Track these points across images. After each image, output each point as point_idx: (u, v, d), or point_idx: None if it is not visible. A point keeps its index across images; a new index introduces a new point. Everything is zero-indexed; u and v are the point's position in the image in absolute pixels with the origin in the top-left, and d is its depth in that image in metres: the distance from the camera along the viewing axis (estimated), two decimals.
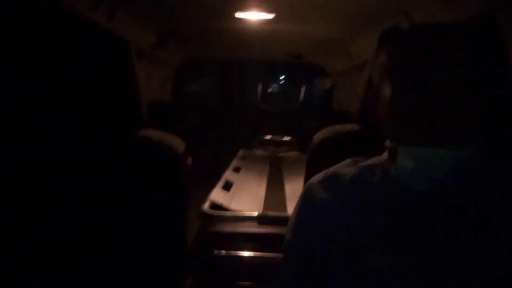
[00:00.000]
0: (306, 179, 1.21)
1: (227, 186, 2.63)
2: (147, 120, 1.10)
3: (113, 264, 1.06)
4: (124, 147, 1.08)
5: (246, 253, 1.85)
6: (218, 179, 2.75)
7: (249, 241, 1.87)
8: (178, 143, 1.14)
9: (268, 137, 4.48)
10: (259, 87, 5.23)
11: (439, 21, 0.72)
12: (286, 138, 4.46)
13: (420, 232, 0.64)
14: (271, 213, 2.00)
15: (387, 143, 0.74)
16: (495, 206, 0.64)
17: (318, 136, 1.17)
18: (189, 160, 1.25)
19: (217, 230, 1.92)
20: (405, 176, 0.67)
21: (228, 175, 2.93)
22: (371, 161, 0.77)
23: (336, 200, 0.70)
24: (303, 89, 5.23)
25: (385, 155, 0.76)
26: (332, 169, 0.77)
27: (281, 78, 6.08)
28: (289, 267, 0.73)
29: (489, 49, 0.96)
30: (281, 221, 1.91)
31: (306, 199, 0.75)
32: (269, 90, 5.79)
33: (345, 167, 0.76)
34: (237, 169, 3.24)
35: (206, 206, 2.09)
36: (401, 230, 0.65)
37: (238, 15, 2.03)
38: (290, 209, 2.23)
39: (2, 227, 1.01)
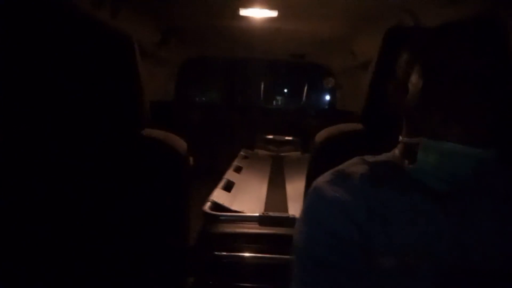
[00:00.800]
0: (308, 179, 1.19)
1: (229, 186, 2.62)
2: (149, 119, 1.09)
3: (113, 264, 1.05)
4: (125, 146, 1.07)
5: (247, 254, 1.84)
6: (220, 179, 2.74)
7: (250, 241, 1.86)
8: (179, 143, 1.13)
9: (270, 136, 4.47)
10: (262, 86, 5.22)
11: (443, 19, 0.70)
12: (288, 138, 4.45)
13: (436, 234, 0.63)
14: (273, 213, 1.99)
15: (404, 138, 0.72)
16: None
17: (320, 136, 1.16)
18: (191, 160, 1.24)
19: (218, 231, 1.91)
20: (423, 173, 0.65)
21: (229, 175, 2.92)
22: (381, 157, 0.75)
23: (350, 197, 0.68)
24: (306, 88, 5.22)
25: (396, 151, 0.74)
26: (339, 168, 0.75)
27: (284, 77, 6.07)
28: (303, 271, 0.69)
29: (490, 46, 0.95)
30: (283, 221, 1.90)
31: (316, 198, 0.72)
32: (272, 89, 5.78)
33: (353, 166, 0.74)
34: (238, 169, 3.22)
35: (207, 206, 2.08)
36: (418, 231, 0.63)
37: (241, 12, 2.03)
38: (292, 209, 2.22)
39: (2, 226, 1.01)
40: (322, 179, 0.73)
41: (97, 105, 1.02)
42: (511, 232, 0.62)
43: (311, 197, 0.73)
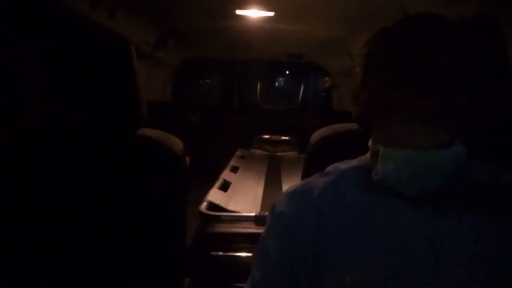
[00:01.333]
0: (303, 179, 1.20)
1: (225, 186, 2.62)
2: (147, 120, 1.09)
3: (110, 264, 1.05)
4: (122, 147, 1.08)
5: (243, 254, 1.84)
6: (216, 178, 2.74)
7: (247, 241, 1.86)
8: (176, 143, 1.13)
9: (267, 136, 4.47)
10: (259, 87, 5.22)
11: None
12: (285, 138, 4.44)
13: (412, 244, 0.58)
14: None
15: (370, 143, 0.68)
16: (496, 207, 0.59)
17: (315, 136, 1.16)
18: (188, 160, 1.24)
19: (215, 231, 1.91)
20: (390, 182, 0.61)
21: (225, 175, 2.92)
22: (354, 163, 0.72)
23: (298, 216, 0.66)
24: (302, 89, 5.22)
25: (368, 155, 0.70)
26: (306, 180, 0.73)
27: (281, 77, 6.07)
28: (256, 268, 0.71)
29: (488, 46, 0.95)
30: None
31: (272, 209, 0.72)
32: (269, 90, 5.78)
33: (319, 178, 0.71)
34: (235, 169, 3.22)
35: (203, 206, 2.08)
36: (388, 241, 0.59)
37: (238, 13, 2.03)
38: None
39: (1, 226, 1.01)
40: (286, 190, 0.73)
41: (94, 105, 1.02)
42: (488, 234, 0.58)
43: (272, 207, 0.72)
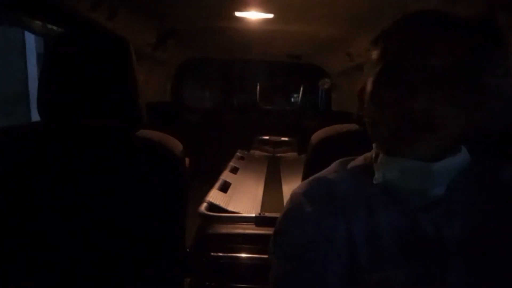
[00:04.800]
0: (304, 180, 1.20)
1: (225, 187, 2.62)
2: (146, 121, 1.09)
3: (110, 265, 1.05)
4: (122, 148, 1.07)
5: (243, 255, 1.84)
6: (216, 179, 2.74)
7: (247, 242, 1.86)
8: (176, 144, 1.13)
9: (266, 137, 4.47)
10: (259, 87, 5.22)
11: None
12: (285, 139, 4.45)
13: (423, 246, 0.58)
14: (269, 214, 1.99)
15: (375, 146, 0.67)
16: (499, 209, 0.59)
17: (316, 136, 1.16)
18: (187, 161, 1.24)
19: (214, 232, 1.91)
20: (392, 189, 0.60)
21: (225, 175, 2.92)
22: (359, 161, 0.71)
23: (321, 213, 0.64)
24: (302, 89, 5.22)
25: (369, 154, 0.69)
26: (318, 175, 0.71)
27: (280, 78, 6.07)
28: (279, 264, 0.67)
29: (488, 45, 0.95)
30: None
31: (290, 210, 0.69)
32: (269, 90, 5.78)
33: (332, 172, 0.70)
34: (234, 170, 3.22)
35: (203, 207, 2.08)
36: (399, 243, 0.59)
37: (237, 15, 2.03)
38: None
39: (0, 227, 1.01)
40: (298, 190, 0.70)
41: (93, 106, 1.02)
42: (492, 232, 0.58)
43: (286, 209, 0.70)
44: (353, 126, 1.11)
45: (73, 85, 1.01)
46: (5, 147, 1.04)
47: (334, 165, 0.73)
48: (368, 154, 0.71)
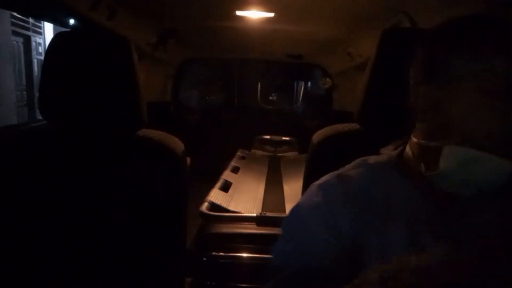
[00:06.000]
0: (305, 179, 1.20)
1: (226, 187, 2.62)
2: (146, 120, 1.09)
3: (111, 265, 1.05)
4: (123, 147, 1.08)
5: (244, 255, 1.84)
6: (217, 179, 2.73)
7: (248, 242, 1.86)
8: (176, 144, 1.13)
9: (267, 137, 4.46)
10: (259, 87, 5.22)
11: (439, 20, 0.69)
12: (285, 138, 4.44)
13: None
14: (270, 214, 1.99)
15: (420, 141, 0.66)
16: None
17: (317, 136, 1.16)
18: (188, 161, 1.24)
19: (216, 231, 1.91)
20: (444, 179, 0.60)
21: (226, 175, 2.92)
22: (383, 158, 0.72)
23: (331, 205, 0.66)
24: (302, 89, 5.22)
25: (406, 150, 0.70)
26: (338, 171, 0.72)
27: (281, 77, 6.07)
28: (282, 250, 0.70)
29: None
30: (280, 222, 1.88)
31: (302, 198, 0.72)
32: (269, 90, 5.78)
33: (351, 169, 0.71)
34: (235, 169, 3.22)
35: (204, 207, 2.08)
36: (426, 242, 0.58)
37: (238, 14, 2.03)
38: (289, 210, 2.21)
39: (0, 227, 1.01)
40: (317, 181, 0.72)
41: (94, 106, 1.02)
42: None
43: (302, 198, 0.72)
44: (354, 126, 1.11)
45: (74, 85, 1.01)
46: (5, 147, 1.04)
47: (354, 162, 0.75)
48: (393, 153, 0.73)
